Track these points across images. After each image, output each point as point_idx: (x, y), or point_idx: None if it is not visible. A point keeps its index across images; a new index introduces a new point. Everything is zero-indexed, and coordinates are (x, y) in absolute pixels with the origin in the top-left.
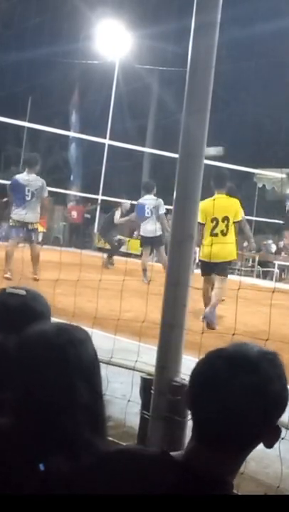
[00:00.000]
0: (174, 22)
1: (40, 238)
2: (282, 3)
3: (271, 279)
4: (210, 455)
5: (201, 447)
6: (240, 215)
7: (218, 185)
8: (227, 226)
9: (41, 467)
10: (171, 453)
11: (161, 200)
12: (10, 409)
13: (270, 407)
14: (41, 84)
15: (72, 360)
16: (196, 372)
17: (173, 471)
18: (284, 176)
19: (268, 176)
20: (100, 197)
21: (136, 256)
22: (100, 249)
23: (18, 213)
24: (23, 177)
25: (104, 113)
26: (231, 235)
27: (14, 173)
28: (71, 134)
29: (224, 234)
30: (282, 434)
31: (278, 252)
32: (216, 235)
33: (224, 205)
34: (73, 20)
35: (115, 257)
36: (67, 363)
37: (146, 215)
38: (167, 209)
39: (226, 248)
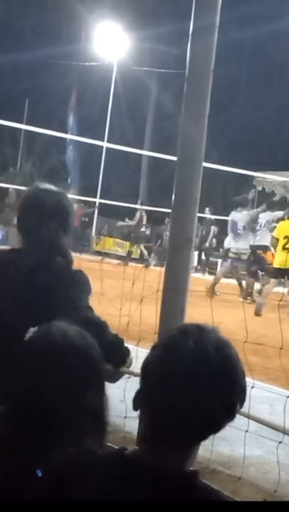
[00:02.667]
0: (172, 24)
1: None
2: (282, 5)
3: None
4: (167, 449)
5: (157, 442)
6: None
7: None
8: None
9: (39, 473)
10: (127, 451)
11: (254, 214)
12: (9, 414)
13: (234, 400)
14: (38, 86)
15: (91, 362)
16: (151, 366)
17: (127, 467)
18: (285, 179)
19: (268, 178)
20: (97, 200)
21: (134, 260)
22: (98, 253)
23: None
24: (235, 215)
25: (102, 115)
26: None
27: (10, 175)
28: (68, 136)
29: None
30: (280, 439)
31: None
32: (287, 249)
33: None
34: (71, 22)
35: (115, 261)
36: (86, 365)
37: (239, 231)
38: (166, 212)
39: None
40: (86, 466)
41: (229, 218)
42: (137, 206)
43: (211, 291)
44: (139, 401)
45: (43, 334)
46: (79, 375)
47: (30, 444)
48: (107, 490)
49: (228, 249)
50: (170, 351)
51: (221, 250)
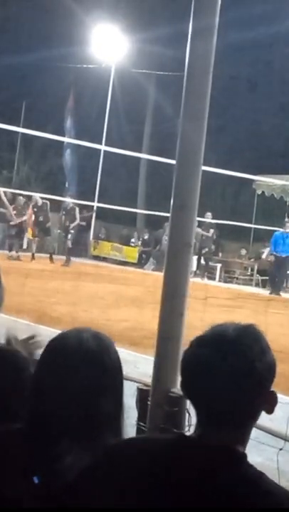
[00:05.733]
0: (171, 25)
1: (34, 248)
2: (282, 7)
3: None
4: (220, 432)
5: (209, 427)
6: None
7: None
8: None
9: (35, 480)
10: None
11: None
12: (25, 414)
13: (259, 377)
14: (35, 88)
15: (105, 367)
16: (185, 363)
17: (193, 450)
18: (285, 182)
19: (268, 182)
20: (95, 204)
21: (132, 264)
22: (96, 257)
23: None
24: None
25: (100, 118)
26: None
27: (6, 179)
28: (66, 139)
29: None
30: (279, 445)
31: None
32: None
33: None
34: (68, 24)
35: (112, 266)
36: (101, 370)
37: None
38: (164, 216)
39: None
40: (150, 449)
41: None
42: (68, 199)
43: None
44: (184, 390)
45: (59, 339)
46: (92, 380)
47: (40, 447)
48: (172, 471)
49: None
50: (195, 345)
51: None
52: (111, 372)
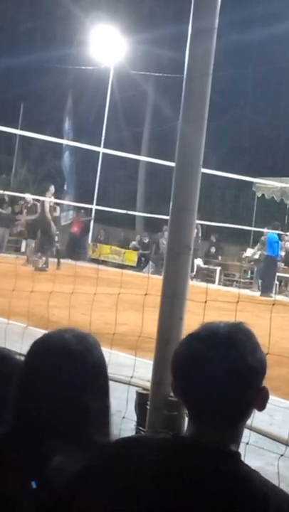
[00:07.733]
0: (170, 27)
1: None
2: (282, 9)
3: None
4: (212, 431)
5: (201, 425)
6: None
7: None
8: None
9: (33, 485)
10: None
11: None
12: (12, 416)
13: (252, 372)
14: (33, 90)
15: (89, 366)
16: (177, 361)
17: (187, 450)
18: (285, 185)
19: (268, 185)
20: (94, 206)
21: (131, 267)
22: (94, 261)
23: None
24: None
25: (99, 120)
26: None
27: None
28: (64, 141)
29: None
30: (282, 451)
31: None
32: None
33: None
34: (67, 25)
35: (111, 269)
36: (84, 369)
37: None
38: (163, 219)
39: None
40: (145, 448)
41: None
42: (28, 195)
43: None
44: (176, 393)
45: (42, 339)
46: (75, 379)
47: (30, 449)
48: (165, 471)
49: None
50: (186, 342)
51: None
52: (94, 370)
